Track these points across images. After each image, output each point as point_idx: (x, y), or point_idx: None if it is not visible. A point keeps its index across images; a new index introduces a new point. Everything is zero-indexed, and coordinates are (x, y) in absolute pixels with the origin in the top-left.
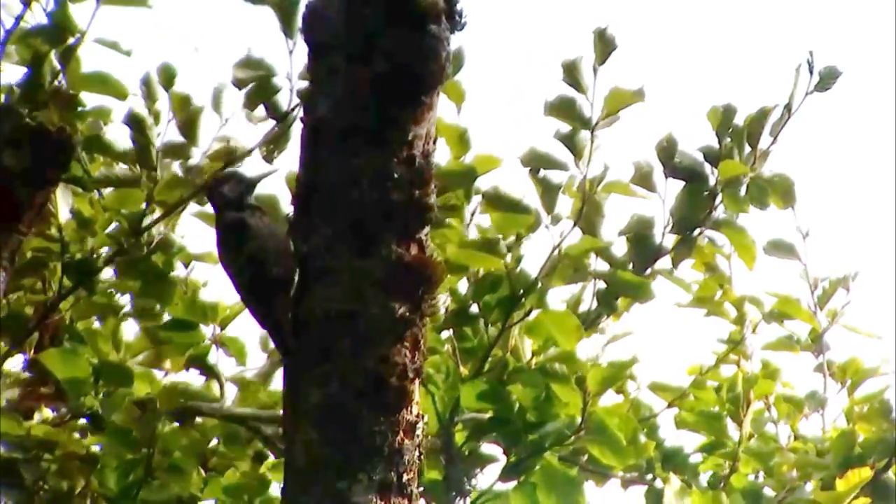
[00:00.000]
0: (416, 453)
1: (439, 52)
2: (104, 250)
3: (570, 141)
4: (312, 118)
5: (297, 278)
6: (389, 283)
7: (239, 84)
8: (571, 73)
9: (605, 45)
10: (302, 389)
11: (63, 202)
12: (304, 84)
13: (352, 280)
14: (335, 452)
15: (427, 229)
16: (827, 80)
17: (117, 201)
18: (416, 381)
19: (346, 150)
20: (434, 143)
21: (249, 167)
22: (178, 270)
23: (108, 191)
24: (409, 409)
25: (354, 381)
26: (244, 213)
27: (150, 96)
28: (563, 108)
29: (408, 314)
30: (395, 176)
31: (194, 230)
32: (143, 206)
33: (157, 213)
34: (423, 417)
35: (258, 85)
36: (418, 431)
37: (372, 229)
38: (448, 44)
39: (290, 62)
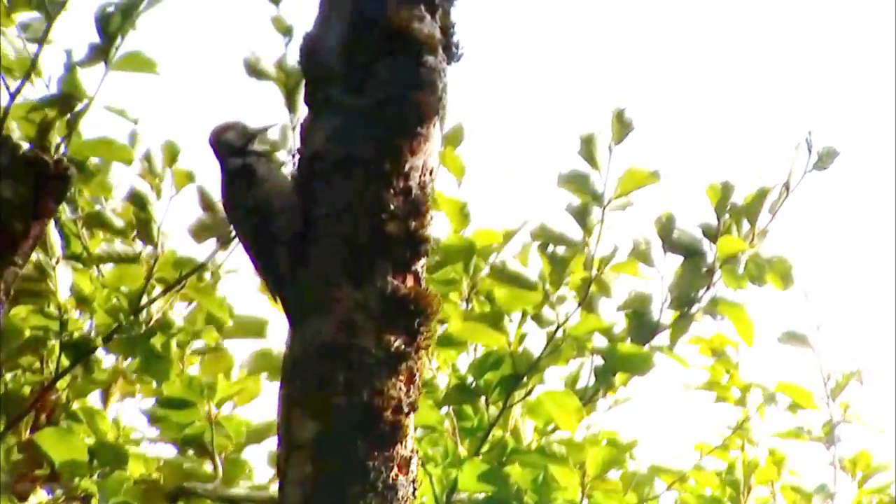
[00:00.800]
0: (411, 489)
1: (436, 84)
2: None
3: (581, 216)
4: (308, 149)
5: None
6: (385, 316)
7: None
8: (588, 148)
9: (622, 126)
10: (295, 423)
11: (63, 279)
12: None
13: (347, 312)
14: (329, 487)
15: (423, 261)
16: (825, 159)
17: (117, 278)
18: (412, 416)
19: (342, 180)
20: (431, 174)
21: None
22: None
23: (107, 267)
24: (403, 443)
25: (348, 415)
26: (250, 160)
27: (151, 172)
28: (576, 182)
29: (403, 347)
30: (391, 207)
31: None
32: (143, 282)
33: (157, 290)
34: (417, 452)
35: None
36: (412, 466)
37: (367, 261)
38: (445, 75)
39: (292, 138)
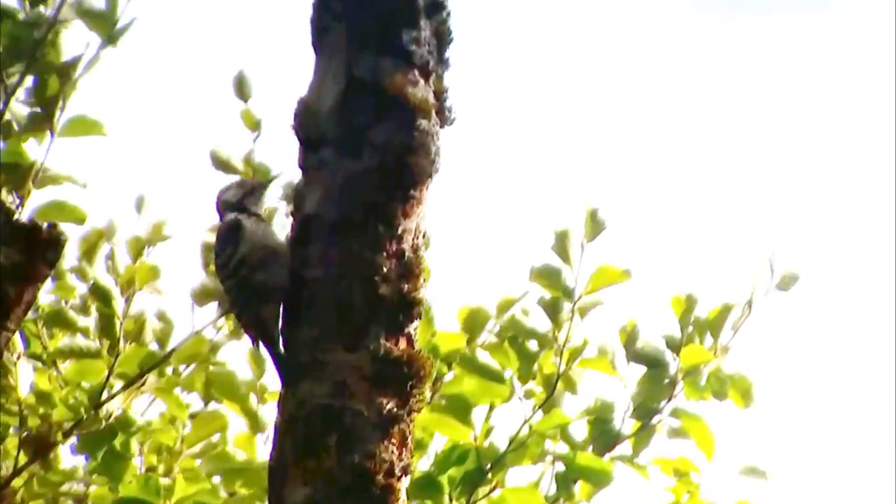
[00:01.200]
0: None
1: (429, 147)
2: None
3: (551, 311)
4: (301, 211)
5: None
6: (377, 378)
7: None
8: (561, 243)
9: (595, 224)
10: (286, 486)
11: (23, 376)
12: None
13: (339, 374)
14: None
15: (416, 323)
16: (787, 281)
17: (77, 373)
18: (403, 480)
19: (335, 243)
20: (424, 236)
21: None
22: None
23: (67, 364)
24: None
25: (340, 479)
26: (242, 216)
27: (114, 270)
28: (547, 277)
29: (395, 409)
30: (384, 269)
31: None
32: (104, 378)
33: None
34: None
35: None
36: None
37: (360, 323)
38: (438, 138)
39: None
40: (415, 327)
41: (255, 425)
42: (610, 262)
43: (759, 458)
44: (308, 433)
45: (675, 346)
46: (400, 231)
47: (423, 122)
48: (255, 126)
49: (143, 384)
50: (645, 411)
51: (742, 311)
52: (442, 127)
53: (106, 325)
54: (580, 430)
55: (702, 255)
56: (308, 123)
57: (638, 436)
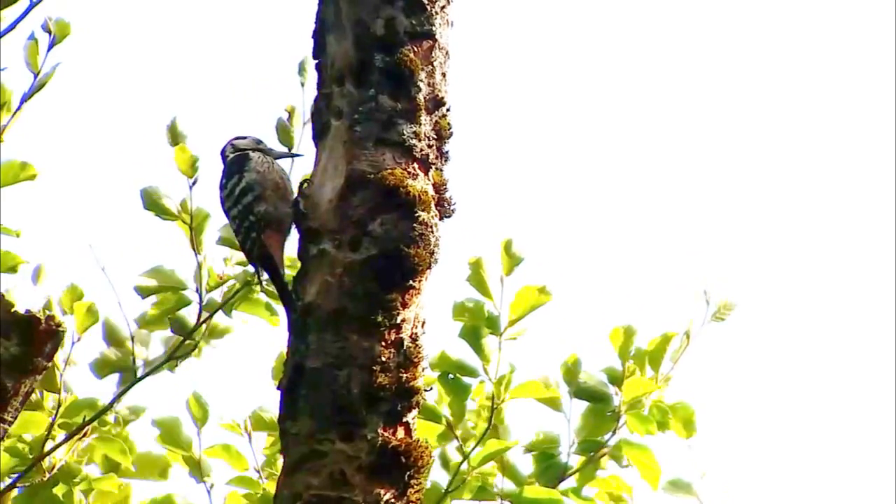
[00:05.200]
0: None
1: (428, 238)
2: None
3: (477, 344)
4: (301, 303)
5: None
6: (375, 468)
7: (142, 293)
8: (476, 274)
9: (511, 257)
10: None
11: None
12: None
13: (337, 465)
14: None
15: (415, 412)
16: (722, 311)
17: (20, 426)
18: None
19: (334, 333)
20: (423, 326)
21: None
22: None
23: None
24: None
25: None
26: (250, 151)
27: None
28: (470, 311)
29: (393, 500)
30: (383, 359)
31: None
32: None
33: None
34: None
35: (166, 297)
36: None
37: (358, 413)
38: (437, 229)
39: (200, 276)
40: (413, 416)
41: (198, 472)
42: (529, 283)
43: (682, 472)
44: None
45: (616, 379)
46: (399, 320)
47: (422, 214)
48: (191, 171)
49: (84, 434)
50: (589, 445)
51: (681, 342)
52: (441, 219)
53: (47, 376)
54: (527, 467)
55: (635, 286)
56: (308, 215)
57: (584, 470)
